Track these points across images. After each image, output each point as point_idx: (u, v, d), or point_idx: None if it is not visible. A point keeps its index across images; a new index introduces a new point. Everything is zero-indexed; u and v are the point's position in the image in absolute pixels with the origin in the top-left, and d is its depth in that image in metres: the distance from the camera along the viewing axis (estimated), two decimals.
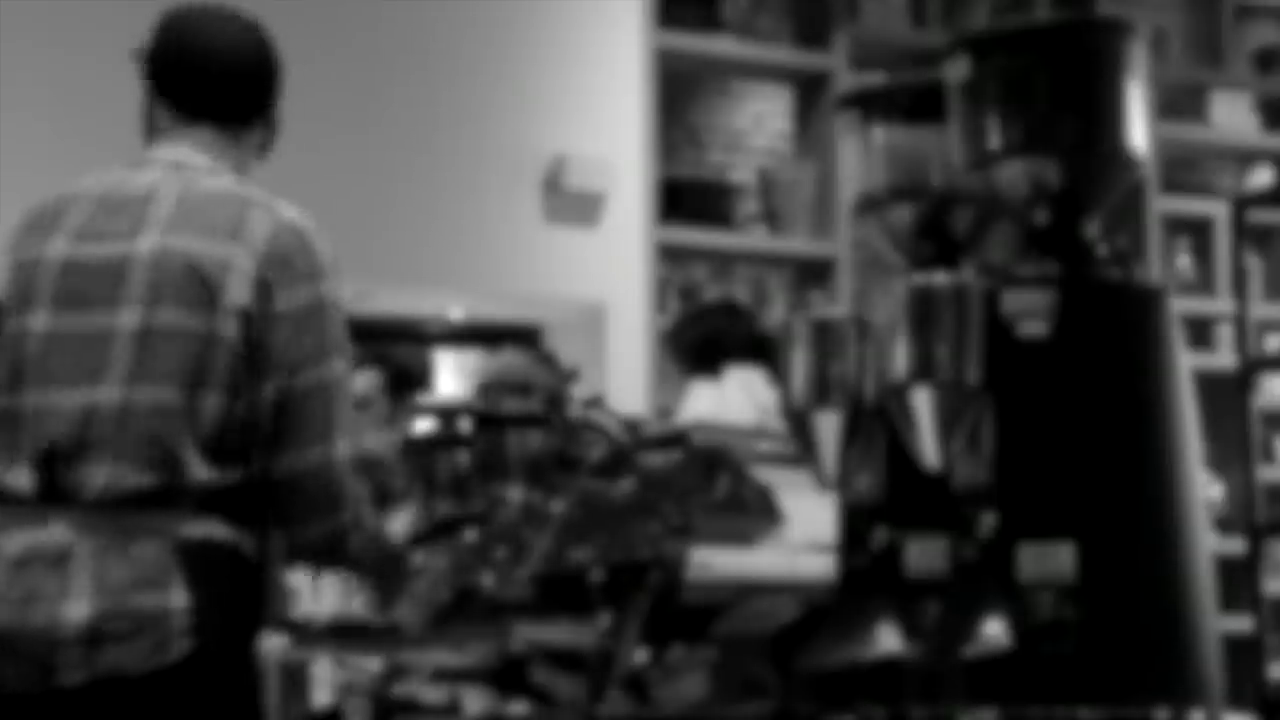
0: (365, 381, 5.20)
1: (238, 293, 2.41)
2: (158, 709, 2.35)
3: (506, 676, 2.65)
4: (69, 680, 2.32)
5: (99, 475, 2.37)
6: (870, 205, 2.59)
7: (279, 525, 2.51)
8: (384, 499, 2.72)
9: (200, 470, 2.39)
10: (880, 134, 2.60)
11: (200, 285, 2.41)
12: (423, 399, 5.26)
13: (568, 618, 2.39)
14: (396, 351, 5.54)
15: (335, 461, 2.46)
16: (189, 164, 2.54)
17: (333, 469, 2.45)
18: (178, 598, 2.35)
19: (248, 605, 2.45)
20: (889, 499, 2.25)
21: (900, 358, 2.16)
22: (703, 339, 4.88)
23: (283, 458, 2.44)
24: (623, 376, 5.93)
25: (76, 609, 2.33)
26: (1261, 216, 6.81)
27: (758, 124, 7.13)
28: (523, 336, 6.29)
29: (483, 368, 4.18)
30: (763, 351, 4.78)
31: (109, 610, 2.32)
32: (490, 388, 4.01)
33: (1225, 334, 6.80)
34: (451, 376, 6.67)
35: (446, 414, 2.74)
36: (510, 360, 4.14)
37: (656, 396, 5.85)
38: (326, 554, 2.52)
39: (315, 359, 2.45)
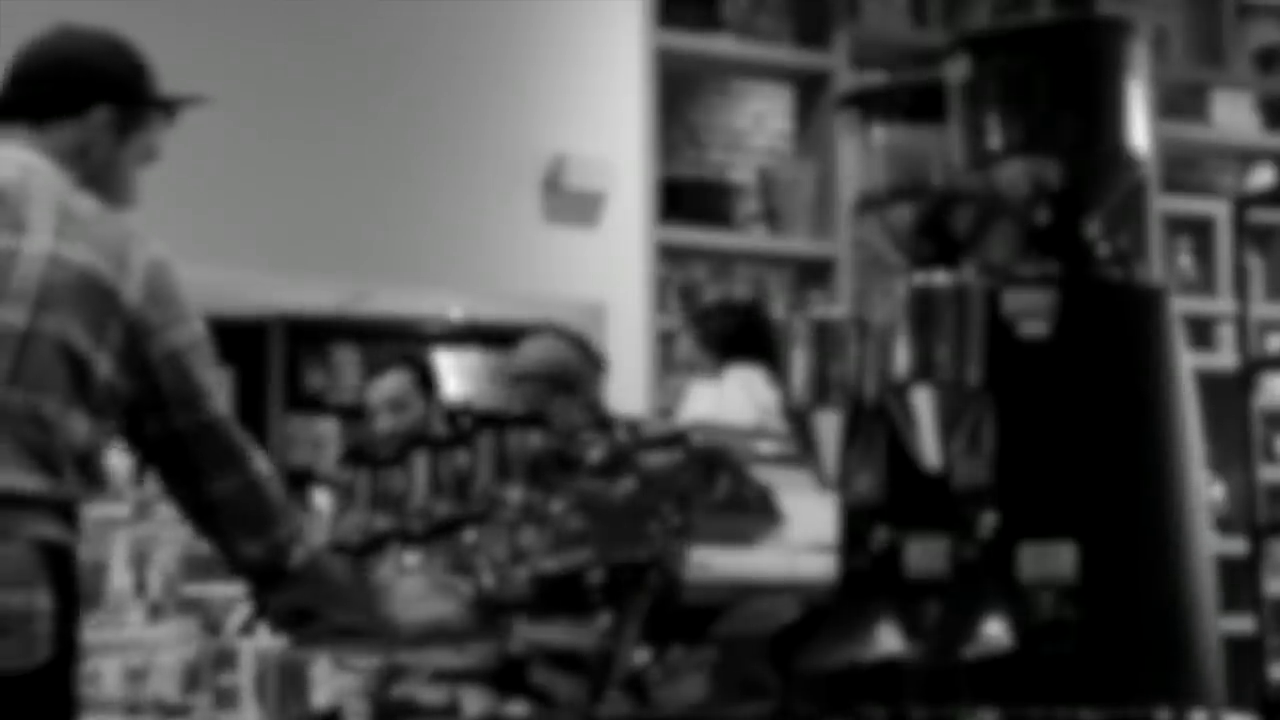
0: (398, 382, 5.16)
1: (115, 331, 2.40)
2: (15, 712, 2.29)
3: (506, 677, 2.64)
4: None
5: None
6: (870, 205, 2.59)
7: (221, 551, 2.51)
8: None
9: (73, 482, 2.37)
10: (880, 134, 2.59)
11: (91, 304, 2.38)
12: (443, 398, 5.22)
13: (567, 618, 2.39)
14: (421, 352, 5.48)
15: (259, 481, 2.48)
16: (35, 167, 2.49)
17: (259, 489, 2.48)
18: (43, 600, 2.32)
19: (76, 613, 2.41)
20: (889, 499, 2.25)
21: (900, 358, 2.15)
22: (737, 331, 4.80)
23: (209, 485, 2.45)
24: (623, 376, 5.92)
25: None
26: (1262, 216, 6.80)
27: (758, 124, 7.12)
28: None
29: (519, 354, 4.08)
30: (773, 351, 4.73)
31: None
32: (528, 378, 3.92)
33: (1226, 334, 6.80)
34: (452, 376, 6.66)
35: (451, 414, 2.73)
36: (546, 348, 4.04)
37: (656, 396, 5.84)
38: (270, 570, 2.51)
39: (206, 395, 2.46)
